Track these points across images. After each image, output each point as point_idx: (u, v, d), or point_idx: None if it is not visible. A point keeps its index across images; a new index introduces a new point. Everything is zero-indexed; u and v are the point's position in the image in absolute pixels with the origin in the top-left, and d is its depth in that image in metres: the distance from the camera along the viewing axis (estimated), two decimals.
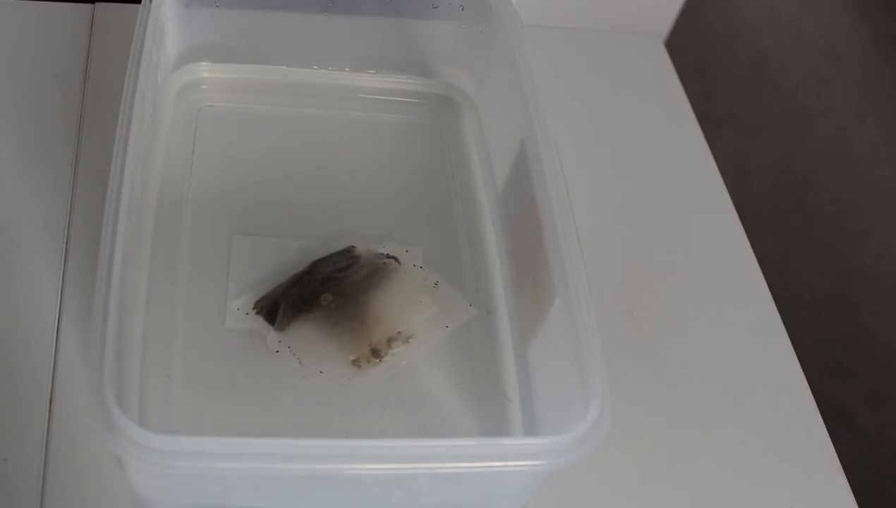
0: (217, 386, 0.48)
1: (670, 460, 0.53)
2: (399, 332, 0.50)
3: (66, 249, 0.54)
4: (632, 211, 0.64)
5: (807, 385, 0.57)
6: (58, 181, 0.57)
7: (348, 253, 0.53)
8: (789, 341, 0.59)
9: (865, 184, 1.49)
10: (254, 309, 0.50)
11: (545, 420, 0.47)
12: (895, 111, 1.58)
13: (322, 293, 0.51)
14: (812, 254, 1.38)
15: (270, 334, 0.49)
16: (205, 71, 0.60)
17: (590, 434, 0.39)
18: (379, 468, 0.39)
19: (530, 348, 0.50)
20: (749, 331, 0.59)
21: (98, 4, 0.67)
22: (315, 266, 0.52)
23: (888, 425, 1.21)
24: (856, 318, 1.32)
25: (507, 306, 0.53)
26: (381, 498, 0.42)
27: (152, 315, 0.49)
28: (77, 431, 0.48)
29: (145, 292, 0.50)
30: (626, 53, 0.75)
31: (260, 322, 0.50)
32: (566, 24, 0.76)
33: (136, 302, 0.48)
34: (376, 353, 0.49)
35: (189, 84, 0.60)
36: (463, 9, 0.58)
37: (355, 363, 0.49)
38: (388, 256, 0.53)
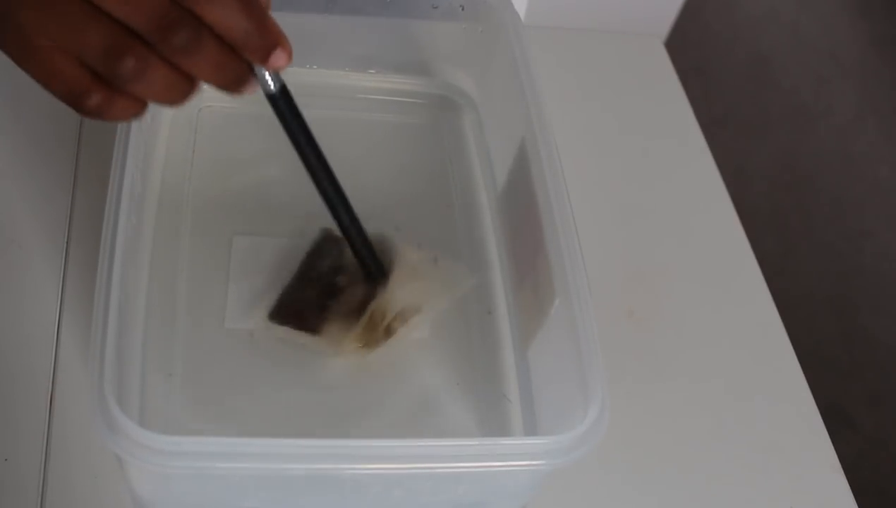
0: (217, 386, 0.48)
1: (670, 459, 0.53)
2: (403, 308, 0.50)
3: (66, 249, 0.54)
4: (632, 211, 0.64)
5: (807, 385, 0.57)
6: (58, 181, 0.57)
7: (330, 238, 0.52)
8: (789, 341, 0.59)
9: (865, 184, 1.49)
10: (274, 320, 0.49)
11: (545, 420, 0.47)
12: (895, 111, 1.58)
13: (333, 281, 0.50)
14: (812, 253, 1.38)
15: (301, 337, 0.49)
16: None
17: (589, 434, 0.39)
18: (379, 468, 0.39)
19: (530, 348, 0.50)
20: (749, 331, 0.59)
21: None
22: (310, 263, 0.52)
23: (888, 425, 1.21)
24: (856, 318, 1.32)
25: (507, 306, 0.53)
26: (381, 498, 0.42)
27: (152, 315, 0.49)
28: (77, 431, 0.48)
29: (145, 292, 0.50)
30: (626, 53, 0.75)
31: (263, 322, 0.49)
32: (566, 24, 0.76)
33: (136, 302, 0.48)
34: (386, 331, 0.49)
35: None
36: (463, 9, 0.58)
37: (366, 344, 0.49)
38: (381, 236, 0.52)
